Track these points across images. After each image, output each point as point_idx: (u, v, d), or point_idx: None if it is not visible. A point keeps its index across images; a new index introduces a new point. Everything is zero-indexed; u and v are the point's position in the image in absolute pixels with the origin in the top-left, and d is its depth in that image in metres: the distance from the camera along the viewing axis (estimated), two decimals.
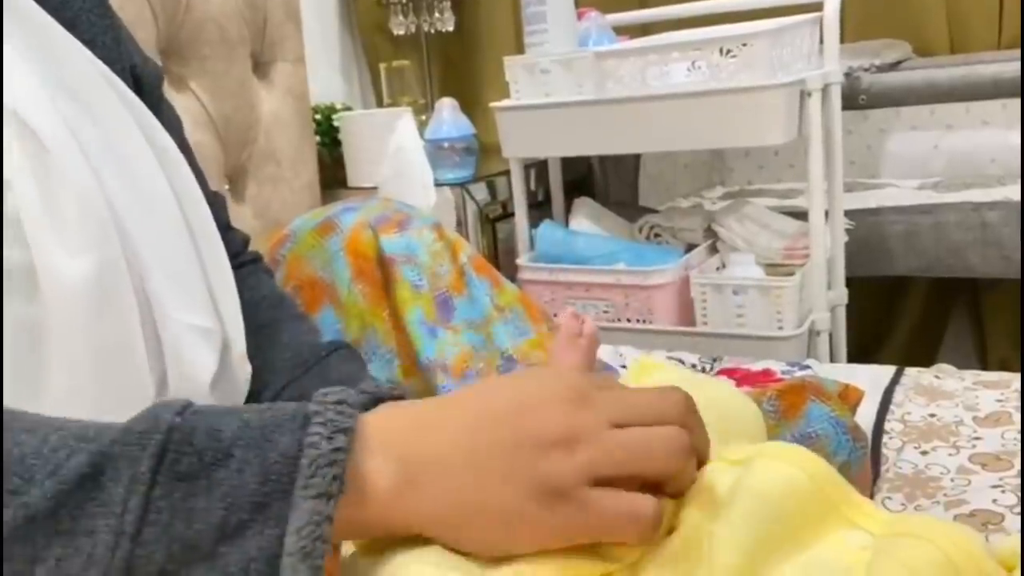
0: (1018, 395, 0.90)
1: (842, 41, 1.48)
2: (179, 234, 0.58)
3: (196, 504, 0.38)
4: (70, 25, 0.58)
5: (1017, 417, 0.86)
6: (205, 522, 0.38)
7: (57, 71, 0.54)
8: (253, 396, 0.65)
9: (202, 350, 0.56)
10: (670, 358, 1.17)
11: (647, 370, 0.64)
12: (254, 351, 0.64)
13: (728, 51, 1.31)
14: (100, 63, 0.58)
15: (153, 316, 0.53)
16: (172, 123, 0.69)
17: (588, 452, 0.42)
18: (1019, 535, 0.41)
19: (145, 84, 0.67)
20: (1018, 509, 0.70)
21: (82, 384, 0.48)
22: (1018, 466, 0.77)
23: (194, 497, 0.39)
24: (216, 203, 0.69)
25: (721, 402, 0.57)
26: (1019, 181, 1.62)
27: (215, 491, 0.39)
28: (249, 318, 0.63)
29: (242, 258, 0.76)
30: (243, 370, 0.62)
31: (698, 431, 0.46)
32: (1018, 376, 0.94)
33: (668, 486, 0.44)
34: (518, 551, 0.42)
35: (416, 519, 0.42)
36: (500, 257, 1.78)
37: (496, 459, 0.42)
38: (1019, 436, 0.82)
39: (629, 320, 1.50)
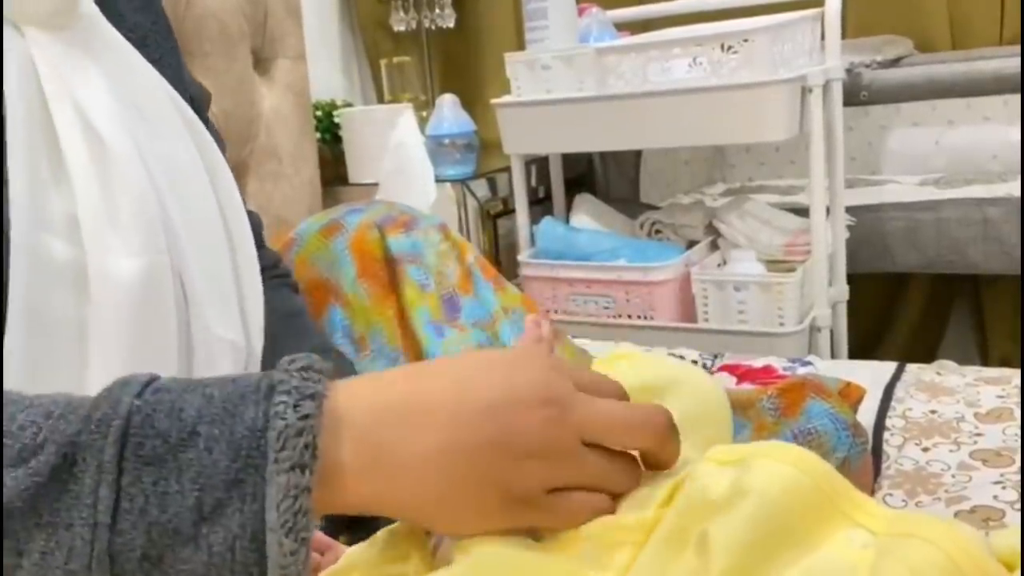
0: (1019, 391, 0.90)
1: (843, 37, 1.48)
2: (222, 247, 0.60)
3: (168, 488, 0.38)
4: (140, 45, 0.61)
5: (1018, 413, 0.86)
6: (180, 505, 0.38)
7: (126, 84, 0.56)
8: None
9: (229, 364, 0.58)
10: (671, 354, 1.17)
11: (612, 362, 0.62)
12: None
13: (729, 47, 1.31)
14: (164, 81, 0.61)
15: (190, 324, 0.55)
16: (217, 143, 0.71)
17: (560, 471, 0.43)
18: (1019, 530, 0.41)
19: (195, 104, 0.68)
20: (1019, 505, 0.70)
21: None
22: (1019, 462, 0.77)
23: (165, 481, 0.38)
24: (252, 222, 0.70)
25: (692, 400, 0.56)
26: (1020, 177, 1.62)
27: (185, 473, 0.38)
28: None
29: (271, 273, 0.77)
30: None
31: (671, 447, 0.46)
32: (1019, 372, 0.94)
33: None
34: (479, 535, 0.44)
35: (381, 504, 0.43)
36: (501, 254, 1.78)
37: (470, 461, 0.42)
38: (1020, 432, 0.82)
39: (630, 316, 1.50)
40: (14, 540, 0.37)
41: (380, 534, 0.50)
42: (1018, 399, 0.89)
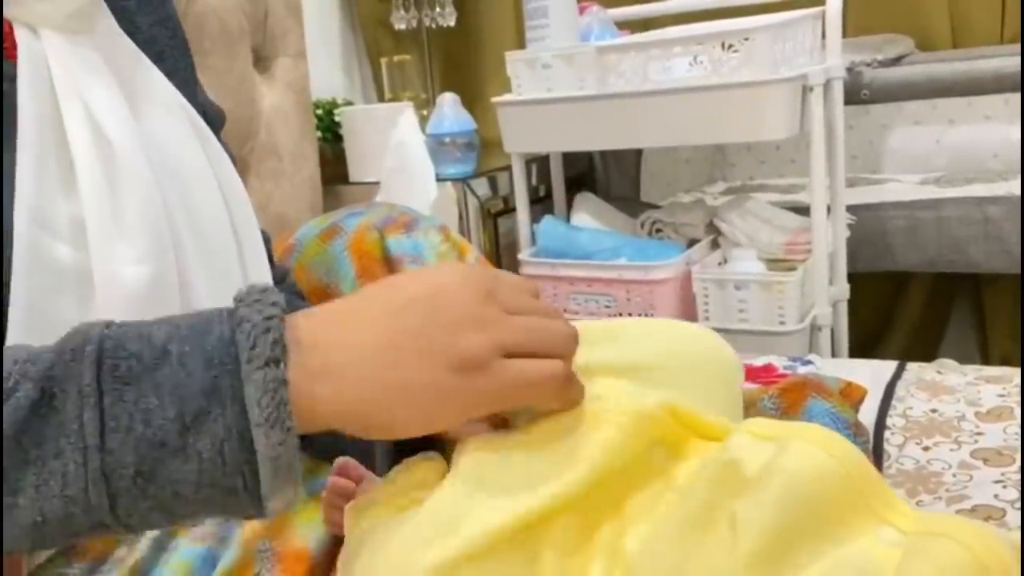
0: (1020, 390, 0.90)
1: (844, 36, 1.48)
2: (230, 258, 0.60)
3: (149, 404, 0.40)
4: (157, 58, 0.62)
5: (1019, 412, 0.86)
6: (163, 418, 0.40)
7: (138, 92, 0.57)
8: None
9: None
10: None
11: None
12: None
13: (730, 46, 1.31)
14: (178, 93, 0.61)
15: None
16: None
17: (497, 330, 0.45)
18: (1020, 530, 0.41)
19: (208, 120, 0.69)
20: (1019, 504, 0.70)
21: None
22: (1019, 461, 0.77)
23: (145, 398, 0.40)
24: (263, 239, 0.70)
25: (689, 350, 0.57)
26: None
27: (163, 387, 0.40)
28: None
29: (280, 287, 0.77)
30: None
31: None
32: (1020, 371, 0.94)
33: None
34: (442, 425, 0.45)
35: (338, 407, 0.43)
36: (501, 252, 1.78)
37: (413, 339, 0.44)
38: (1020, 431, 0.82)
39: (631, 315, 1.50)
40: (5, 480, 0.38)
41: (396, 468, 0.52)
42: (1019, 398, 0.88)
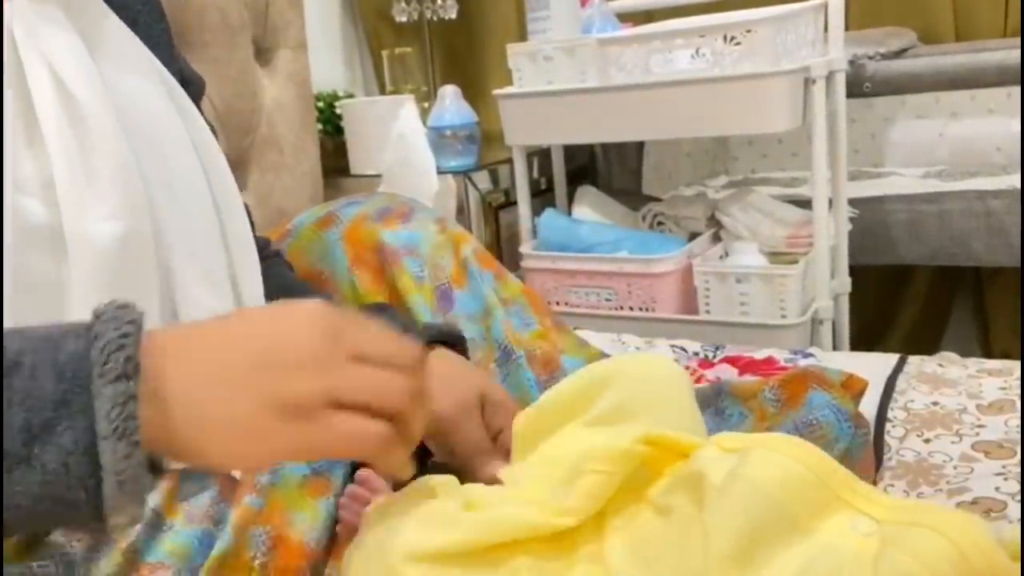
0: (1020, 383, 0.90)
1: (847, 29, 1.47)
2: (207, 218, 0.60)
3: None
4: (131, 23, 0.61)
5: (1019, 405, 0.86)
6: (9, 427, 0.39)
7: (109, 55, 0.56)
8: None
9: None
10: (672, 347, 1.17)
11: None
12: None
13: (732, 38, 1.31)
14: (153, 57, 0.61)
15: (173, 291, 0.54)
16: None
17: (331, 378, 0.44)
18: (1020, 523, 0.41)
19: (188, 90, 0.68)
20: (1020, 497, 0.70)
21: None
22: (1020, 454, 0.77)
23: None
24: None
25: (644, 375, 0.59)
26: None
27: (13, 397, 0.40)
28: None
29: (265, 252, 0.77)
30: None
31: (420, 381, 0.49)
32: (1020, 364, 0.94)
33: (401, 427, 0.47)
34: (256, 464, 0.45)
35: (157, 432, 0.42)
36: (503, 245, 1.78)
37: (243, 376, 0.43)
38: (1021, 424, 0.82)
39: (632, 308, 1.50)
40: None
41: (413, 483, 0.53)
42: (1020, 391, 0.88)
